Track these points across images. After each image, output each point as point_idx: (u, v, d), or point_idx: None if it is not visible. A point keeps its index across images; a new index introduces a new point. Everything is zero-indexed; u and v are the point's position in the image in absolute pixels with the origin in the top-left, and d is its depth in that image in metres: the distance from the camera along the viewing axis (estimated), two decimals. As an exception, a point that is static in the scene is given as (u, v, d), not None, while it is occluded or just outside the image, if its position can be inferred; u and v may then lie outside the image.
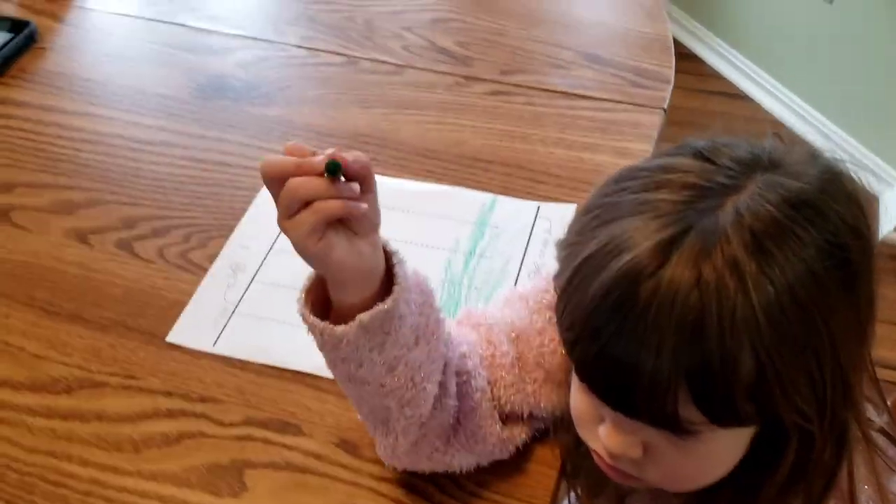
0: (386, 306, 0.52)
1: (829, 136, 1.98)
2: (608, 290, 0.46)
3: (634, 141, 0.90)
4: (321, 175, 0.47)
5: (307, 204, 0.48)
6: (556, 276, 0.53)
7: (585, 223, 0.52)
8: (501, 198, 0.85)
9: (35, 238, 0.83)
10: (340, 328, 0.52)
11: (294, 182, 0.48)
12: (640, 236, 0.46)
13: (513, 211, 0.84)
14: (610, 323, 0.46)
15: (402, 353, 0.54)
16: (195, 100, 0.96)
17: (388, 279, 0.53)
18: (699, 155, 0.50)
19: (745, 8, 2.15)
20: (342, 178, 0.48)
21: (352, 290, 0.52)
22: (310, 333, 0.55)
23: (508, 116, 0.94)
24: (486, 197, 0.85)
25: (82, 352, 0.74)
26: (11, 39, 1.01)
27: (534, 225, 0.82)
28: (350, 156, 0.49)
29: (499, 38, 1.04)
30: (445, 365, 0.58)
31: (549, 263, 0.79)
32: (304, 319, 0.54)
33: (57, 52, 1.02)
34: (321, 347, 0.55)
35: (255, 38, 1.04)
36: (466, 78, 0.99)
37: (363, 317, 0.51)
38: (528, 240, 0.81)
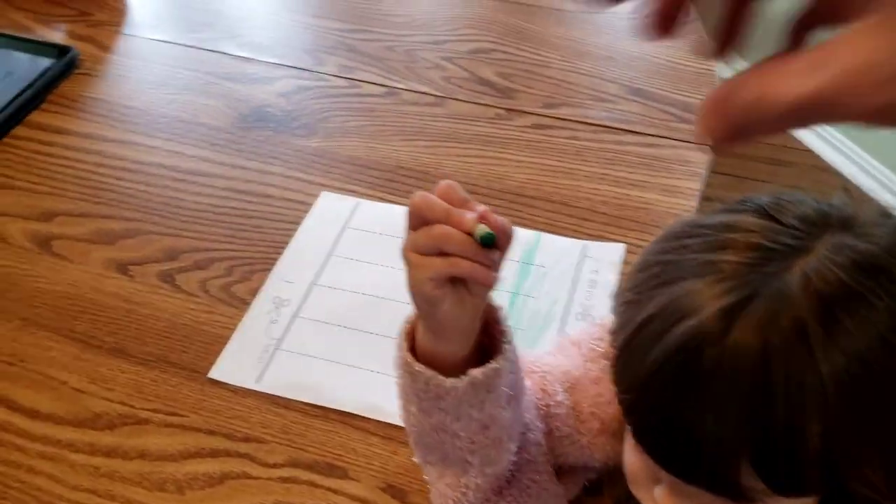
0: (498, 365, 0.51)
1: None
2: (670, 356, 0.45)
3: (683, 178, 0.89)
4: (469, 233, 0.47)
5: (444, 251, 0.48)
6: (613, 333, 0.52)
7: (644, 280, 0.50)
8: (546, 235, 0.84)
9: (75, 269, 0.82)
10: (450, 381, 0.51)
11: (443, 231, 0.47)
12: (703, 300, 0.45)
13: (558, 250, 0.83)
14: (671, 390, 0.45)
15: (498, 412, 0.53)
16: (237, 129, 0.96)
17: (483, 333, 0.53)
18: (763, 213, 0.48)
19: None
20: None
21: (450, 341, 0.51)
22: (403, 378, 0.53)
23: (552, 150, 0.93)
24: (530, 234, 0.84)
25: (124, 387, 0.73)
26: (53, 65, 1.01)
27: (580, 265, 0.81)
28: (501, 226, 0.48)
29: (542, 70, 1.03)
30: None
31: (597, 306, 0.77)
32: (407, 366, 0.52)
33: (99, 79, 1.02)
34: (417, 394, 0.53)
35: (295, 68, 1.04)
36: (508, 111, 0.98)
37: (476, 373, 0.51)
38: (575, 281, 0.80)
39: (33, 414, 0.71)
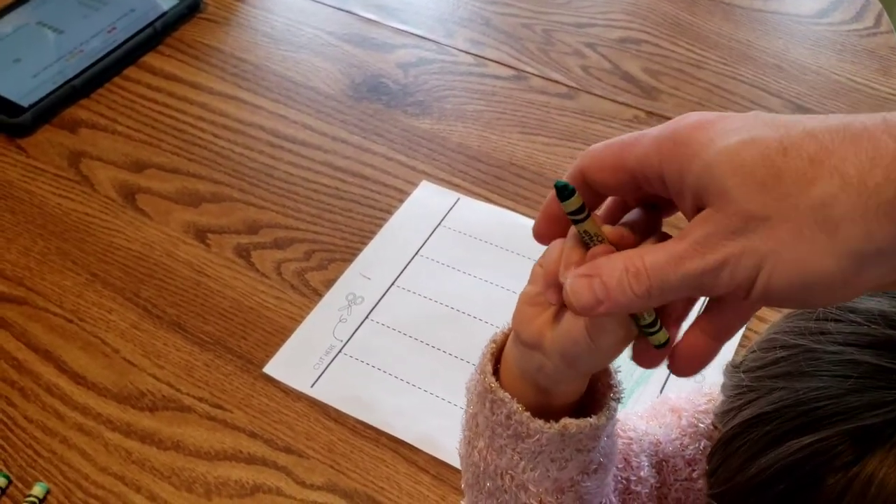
0: (598, 422, 0.40)
1: None
2: (779, 473, 0.37)
3: (842, 224, 0.74)
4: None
5: None
6: (718, 415, 0.43)
7: (765, 364, 0.41)
8: (666, 269, 0.72)
9: (154, 228, 0.78)
10: (536, 424, 0.40)
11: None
12: (837, 411, 0.36)
13: (677, 288, 0.71)
14: None
15: (580, 479, 0.43)
16: (346, 98, 0.89)
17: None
18: None
19: None
20: None
21: (559, 387, 0.41)
22: (477, 406, 0.44)
23: (691, 168, 0.80)
24: (648, 264, 0.72)
25: (175, 366, 0.68)
26: (176, 6, 0.97)
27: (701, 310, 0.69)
28: None
29: (695, 71, 0.89)
30: None
31: (712, 364, 0.65)
32: (488, 392, 0.42)
33: (218, 26, 0.97)
34: (492, 427, 0.43)
35: (420, 37, 0.95)
36: (649, 114, 0.85)
37: (570, 424, 0.40)
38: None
39: (80, 380, 0.67)
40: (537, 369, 0.39)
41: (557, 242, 0.35)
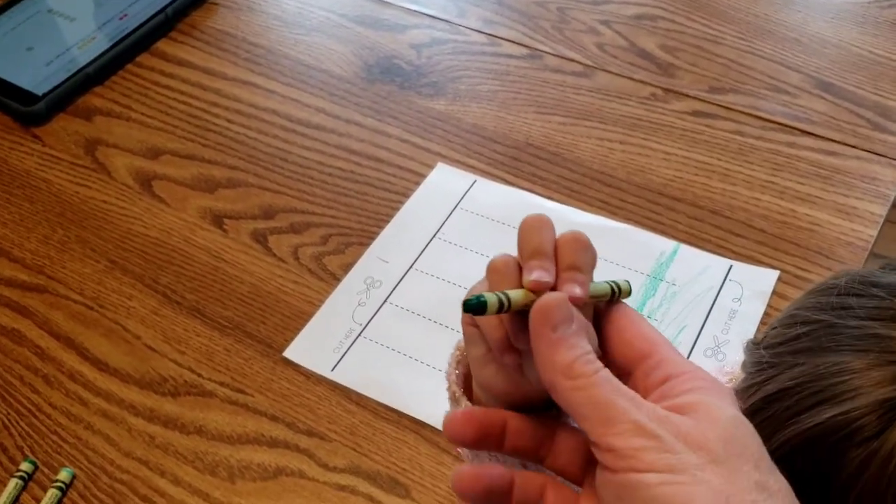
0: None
1: None
2: (801, 447, 0.36)
3: (865, 198, 0.74)
4: None
5: None
6: (738, 393, 0.42)
7: (787, 340, 0.41)
8: (685, 247, 0.71)
9: (171, 214, 0.78)
10: None
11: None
12: (859, 384, 0.36)
13: (697, 266, 0.70)
14: (795, 490, 0.35)
15: None
16: (359, 80, 0.88)
17: None
18: None
19: None
20: None
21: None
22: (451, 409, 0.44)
23: (709, 145, 0.79)
24: (666, 244, 0.72)
25: (196, 352, 0.68)
26: (187, -9, 0.97)
27: (721, 289, 0.68)
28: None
29: (713, 47, 0.88)
30: None
31: (734, 344, 0.65)
32: (455, 399, 0.42)
33: (230, 11, 0.97)
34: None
35: (433, 17, 0.94)
36: (666, 91, 0.85)
37: None
38: (711, 307, 0.67)
39: (102, 366, 0.68)
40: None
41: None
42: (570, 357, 0.30)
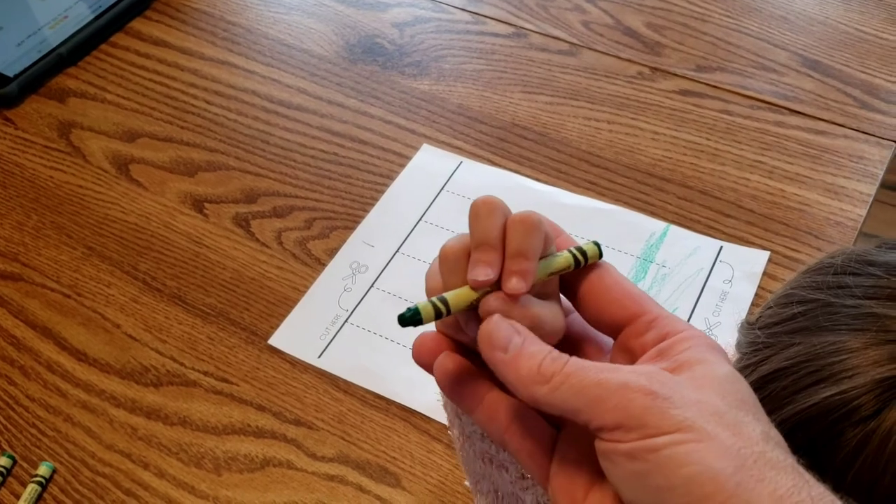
0: None
1: None
2: (800, 425, 0.36)
3: (853, 178, 0.73)
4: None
5: None
6: None
7: (783, 319, 0.40)
8: (675, 228, 0.71)
9: (150, 198, 0.76)
10: None
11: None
12: (856, 363, 0.35)
13: (687, 248, 0.69)
14: None
15: None
16: (340, 60, 0.86)
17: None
18: None
19: None
20: None
21: None
22: (443, 397, 0.44)
23: (697, 124, 0.78)
24: (655, 225, 0.71)
25: (178, 340, 0.66)
26: (161, -31, 0.94)
27: (711, 270, 0.68)
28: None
29: (699, 25, 0.87)
30: None
31: (725, 326, 0.64)
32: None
33: (206, -12, 0.94)
34: (459, 416, 0.43)
35: (416, -5, 0.92)
36: (653, 69, 0.83)
37: None
38: (702, 289, 0.67)
39: (81, 356, 0.66)
40: None
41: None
42: (533, 365, 0.29)
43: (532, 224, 0.31)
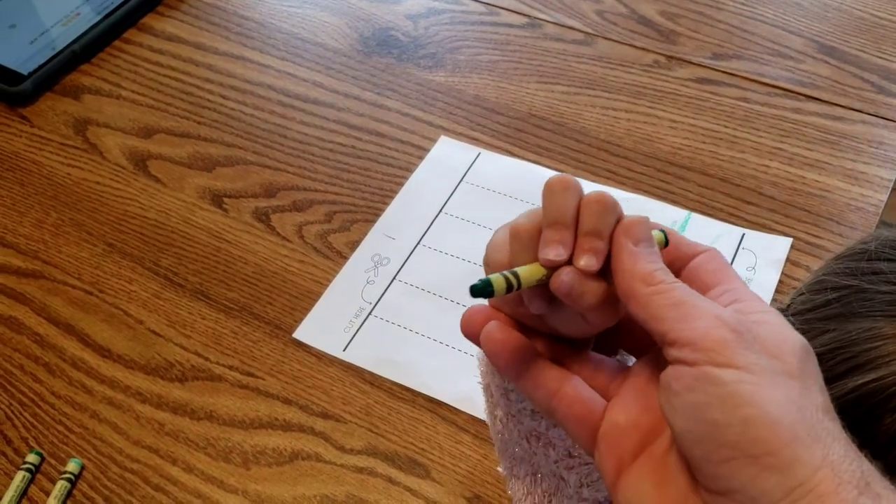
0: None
1: None
2: (837, 413, 0.35)
3: (872, 164, 0.73)
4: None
5: None
6: None
7: (815, 306, 0.40)
8: (696, 216, 0.71)
9: (169, 194, 0.76)
10: None
11: None
12: (892, 350, 0.35)
13: (710, 235, 0.69)
14: None
15: None
16: (356, 53, 0.86)
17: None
18: None
19: None
20: None
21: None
22: (487, 376, 0.43)
23: (715, 112, 0.78)
24: (676, 213, 0.71)
25: (202, 335, 0.66)
26: (172, -36, 0.93)
27: (734, 257, 0.68)
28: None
29: (714, 13, 0.87)
30: None
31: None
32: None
33: (217, -17, 0.94)
34: (506, 395, 0.43)
35: (429, -14, 0.92)
36: (669, 58, 0.83)
37: None
38: (726, 276, 0.67)
39: (105, 353, 0.66)
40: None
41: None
42: (649, 268, 0.30)
43: (607, 205, 0.32)
